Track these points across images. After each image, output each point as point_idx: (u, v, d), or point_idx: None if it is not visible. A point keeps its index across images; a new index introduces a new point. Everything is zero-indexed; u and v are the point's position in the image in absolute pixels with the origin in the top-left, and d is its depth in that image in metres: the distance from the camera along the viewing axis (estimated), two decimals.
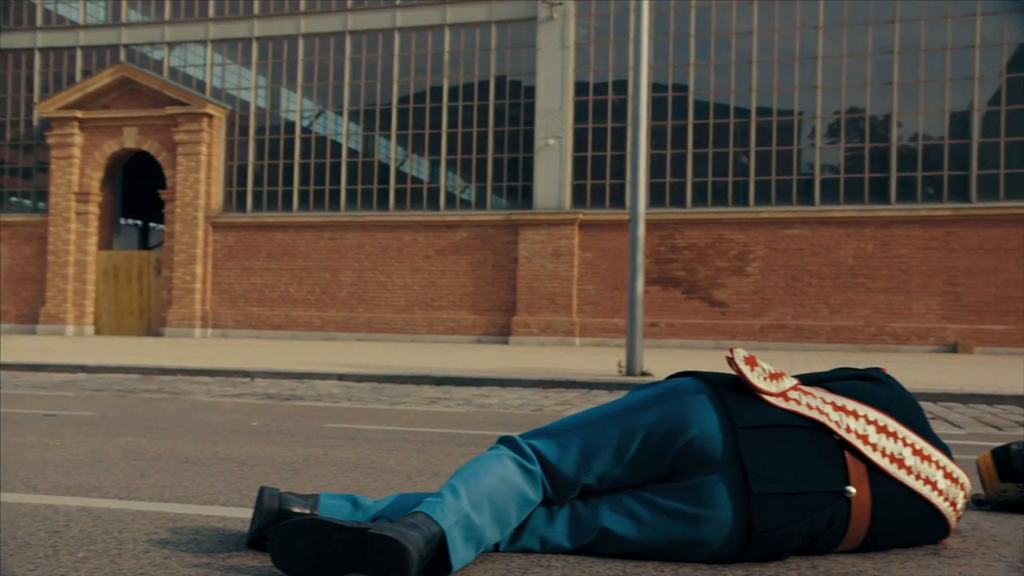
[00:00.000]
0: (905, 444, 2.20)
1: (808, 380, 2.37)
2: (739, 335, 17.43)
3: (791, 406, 2.17)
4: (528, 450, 2.16)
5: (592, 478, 2.14)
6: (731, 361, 2.19)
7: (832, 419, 2.17)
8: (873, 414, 2.22)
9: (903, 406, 2.29)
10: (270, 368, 9.41)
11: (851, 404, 2.23)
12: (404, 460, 3.75)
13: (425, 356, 12.68)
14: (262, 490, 2.16)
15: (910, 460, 2.18)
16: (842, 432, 2.16)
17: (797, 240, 17.38)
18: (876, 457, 2.15)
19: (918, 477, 2.17)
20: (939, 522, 2.23)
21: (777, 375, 2.22)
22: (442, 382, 8.57)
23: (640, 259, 9.70)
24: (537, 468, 2.13)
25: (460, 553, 1.96)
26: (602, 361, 11.89)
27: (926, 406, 6.88)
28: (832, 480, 2.10)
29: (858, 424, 2.18)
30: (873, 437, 2.17)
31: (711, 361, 11.98)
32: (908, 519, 2.18)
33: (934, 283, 16.77)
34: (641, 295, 9.70)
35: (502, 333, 18.72)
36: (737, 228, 17.65)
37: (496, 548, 2.15)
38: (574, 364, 11.20)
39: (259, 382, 8.64)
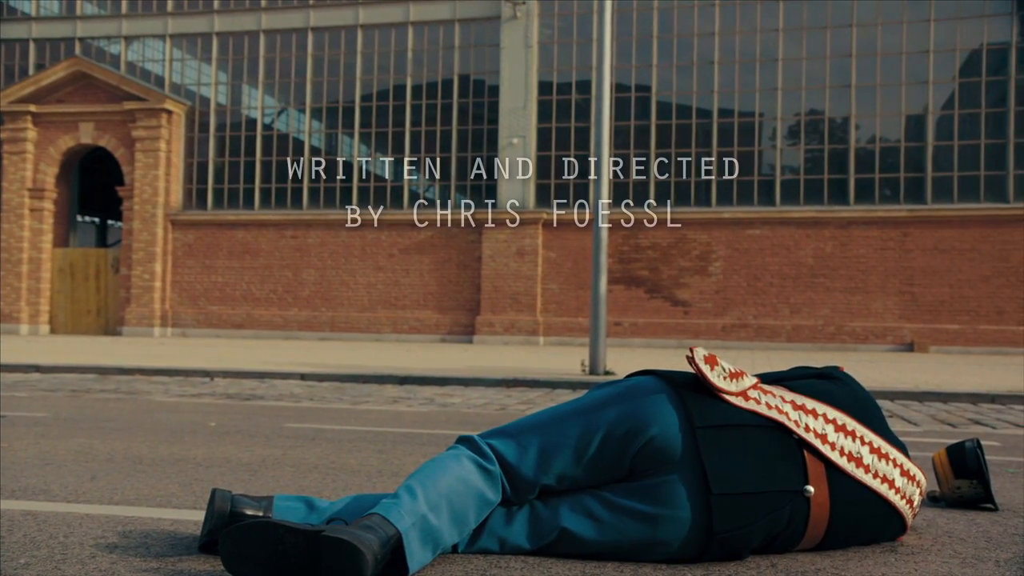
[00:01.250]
0: (863, 443, 2.21)
1: (768, 379, 2.37)
2: (702, 334, 17.57)
3: (751, 405, 2.17)
4: (487, 450, 2.14)
5: (551, 478, 2.12)
6: (691, 360, 2.18)
7: (791, 418, 2.17)
8: (832, 413, 2.23)
9: (861, 405, 2.30)
10: (230, 368, 9.27)
11: (810, 403, 2.24)
12: (364, 460, 3.71)
13: (389, 355, 12.59)
14: (214, 492, 2.11)
15: (868, 459, 2.19)
16: (801, 431, 2.16)
17: (758, 240, 17.57)
18: (835, 456, 2.16)
19: (876, 475, 2.19)
20: (896, 520, 2.25)
21: (737, 374, 2.22)
22: (405, 381, 8.51)
23: (603, 259, 9.72)
24: (496, 468, 2.11)
25: (417, 555, 1.93)
26: (566, 360, 11.90)
27: (883, 404, 6.98)
28: (791, 479, 2.10)
29: (817, 423, 2.19)
30: (832, 436, 2.18)
31: (674, 360, 12.05)
32: (866, 517, 2.20)
33: (891, 283, 17.06)
34: (604, 294, 9.72)
35: (466, 332, 18.67)
36: (699, 228, 17.79)
37: (454, 549, 2.13)
38: (538, 363, 11.20)
39: (219, 382, 8.51)
